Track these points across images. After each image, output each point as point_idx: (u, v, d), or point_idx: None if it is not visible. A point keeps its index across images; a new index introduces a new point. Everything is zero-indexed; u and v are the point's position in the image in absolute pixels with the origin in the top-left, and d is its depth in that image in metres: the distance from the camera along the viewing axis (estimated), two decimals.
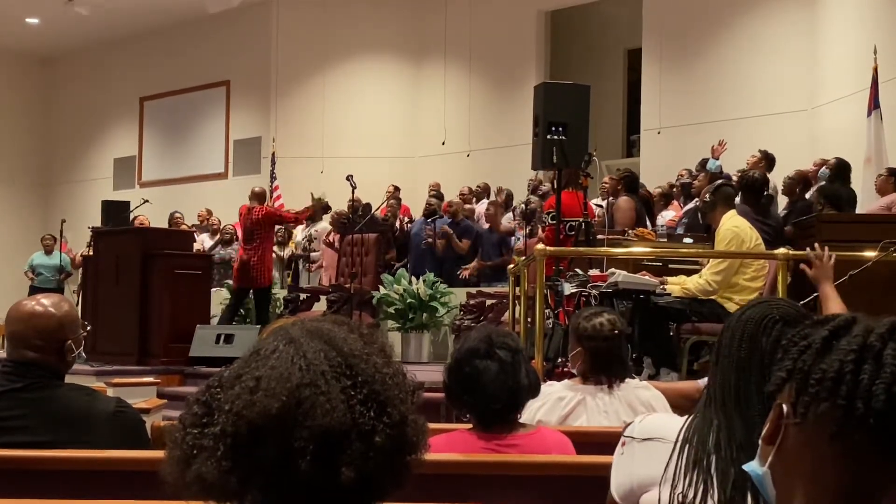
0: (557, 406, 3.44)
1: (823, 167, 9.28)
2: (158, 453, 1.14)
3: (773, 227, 7.80)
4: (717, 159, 10.08)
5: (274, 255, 12.69)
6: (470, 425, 2.76)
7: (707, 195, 6.40)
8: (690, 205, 9.72)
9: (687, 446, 1.79)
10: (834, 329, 1.09)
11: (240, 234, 10.48)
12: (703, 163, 10.16)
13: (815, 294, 5.28)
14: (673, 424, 1.86)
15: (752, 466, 1.15)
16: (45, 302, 2.76)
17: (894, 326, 1.06)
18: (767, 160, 9.82)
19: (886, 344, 1.04)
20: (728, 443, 1.75)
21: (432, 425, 1.75)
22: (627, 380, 3.55)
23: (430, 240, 11.27)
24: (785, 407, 1.09)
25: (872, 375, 1.02)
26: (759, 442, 1.13)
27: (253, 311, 11.02)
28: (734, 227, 6.22)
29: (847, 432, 1.02)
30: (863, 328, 1.07)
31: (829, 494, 1.04)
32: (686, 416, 1.88)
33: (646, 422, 1.92)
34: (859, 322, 1.08)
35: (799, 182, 8.80)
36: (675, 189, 10.56)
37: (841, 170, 8.88)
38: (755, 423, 1.76)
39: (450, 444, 2.66)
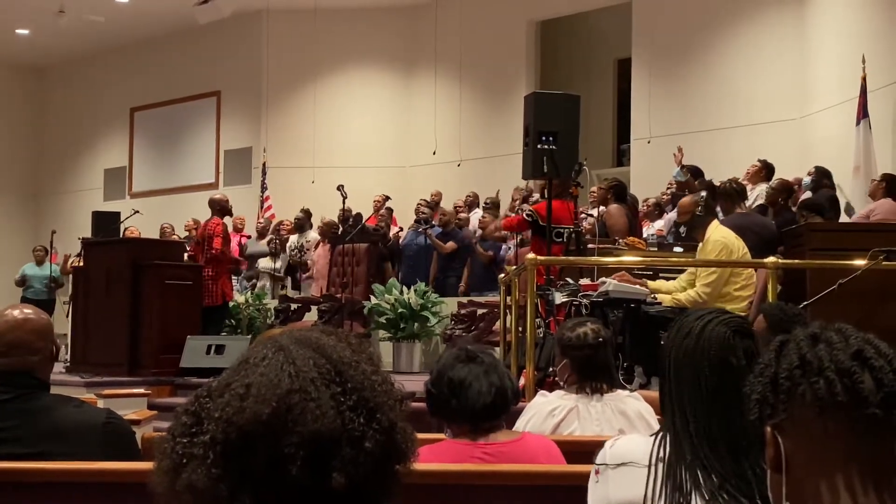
0: (549, 417, 3.44)
1: (806, 177, 9.36)
2: (149, 464, 1.13)
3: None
4: (679, 166, 10.11)
5: (268, 269, 12.71)
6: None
7: (699, 209, 6.39)
8: (672, 213, 9.76)
9: (662, 471, 1.77)
10: (780, 342, 1.23)
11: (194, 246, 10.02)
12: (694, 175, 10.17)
13: (806, 302, 5.30)
14: (644, 447, 1.85)
15: None
16: (26, 310, 2.78)
17: (827, 323, 1.23)
18: (767, 170, 9.86)
19: (826, 329, 1.21)
20: (710, 479, 1.73)
21: (421, 435, 1.75)
22: (618, 390, 3.55)
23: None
24: (770, 426, 1.14)
25: (829, 350, 1.17)
26: (767, 476, 1.17)
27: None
28: (722, 237, 6.25)
29: (831, 401, 1.12)
30: (802, 330, 1.23)
31: (845, 470, 1.12)
32: (653, 437, 1.87)
33: (616, 447, 1.91)
34: (797, 330, 1.24)
35: (782, 192, 8.83)
36: (665, 198, 10.59)
37: (824, 177, 8.98)
38: (741, 449, 1.75)
39: (436, 454, 2.65)
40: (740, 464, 1.74)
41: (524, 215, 7.76)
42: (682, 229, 6.85)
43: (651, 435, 1.90)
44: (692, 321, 1.89)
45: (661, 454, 1.80)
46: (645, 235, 9.22)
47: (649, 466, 1.80)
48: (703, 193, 6.82)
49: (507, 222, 7.57)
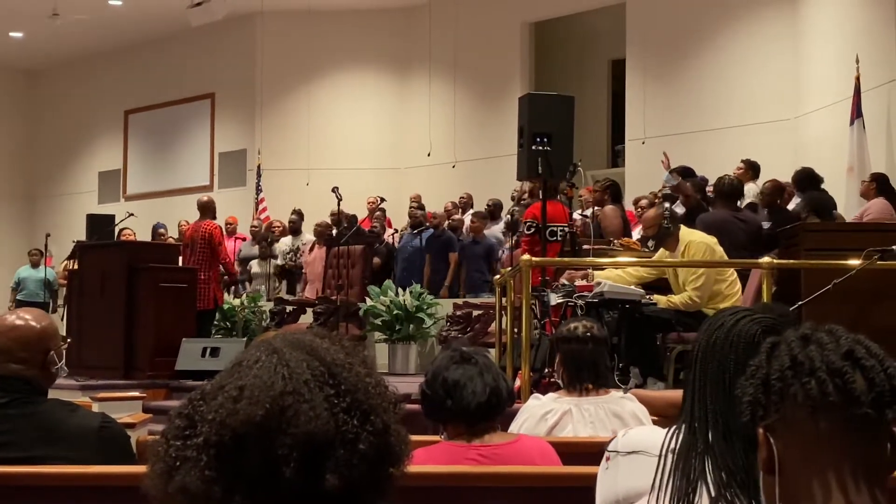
0: (542, 420, 3.43)
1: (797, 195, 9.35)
2: (143, 468, 1.13)
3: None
4: (668, 171, 10.12)
5: (264, 267, 12.69)
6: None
7: (665, 221, 6.38)
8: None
9: (672, 461, 1.77)
10: (771, 343, 1.23)
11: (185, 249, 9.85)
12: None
13: (800, 302, 5.31)
14: (656, 437, 1.85)
15: None
16: (26, 316, 2.76)
17: (817, 324, 1.24)
18: (752, 170, 9.85)
19: (817, 330, 1.22)
20: (719, 472, 1.73)
21: (417, 437, 1.74)
22: (611, 391, 3.55)
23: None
24: (762, 427, 1.14)
25: (820, 350, 1.17)
26: (760, 478, 1.17)
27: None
28: (702, 239, 6.28)
29: (823, 401, 1.13)
30: (792, 331, 1.24)
31: (837, 470, 1.12)
32: (667, 429, 1.87)
33: (629, 435, 1.92)
34: (788, 331, 1.24)
35: (776, 193, 8.84)
36: (657, 199, 10.60)
37: (804, 180, 8.95)
38: (755, 446, 1.75)
39: (431, 455, 2.65)
40: (750, 460, 1.75)
41: (527, 229, 7.77)
42: (651, 243, 6.84)
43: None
44: (727, 315, 1.90)
45: (673, 445, 1.80)
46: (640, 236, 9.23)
47: (660, 456, 1.80)
48: (667, 205, 6.83)
49: (526, 251, 7.58)
